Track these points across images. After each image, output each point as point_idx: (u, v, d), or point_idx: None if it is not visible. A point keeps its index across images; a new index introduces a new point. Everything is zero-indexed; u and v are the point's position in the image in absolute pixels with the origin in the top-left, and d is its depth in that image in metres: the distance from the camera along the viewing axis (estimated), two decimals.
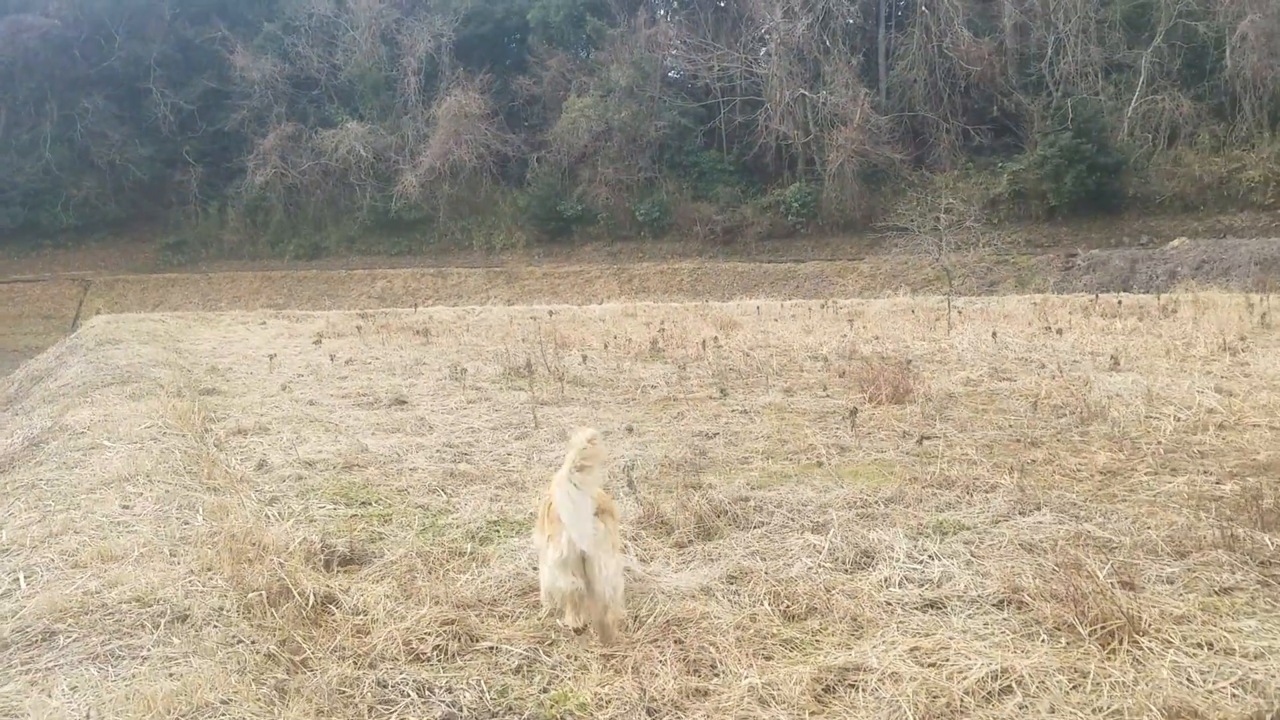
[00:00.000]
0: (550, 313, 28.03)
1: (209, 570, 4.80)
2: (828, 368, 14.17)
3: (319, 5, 61.76)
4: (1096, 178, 43.21)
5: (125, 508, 5.86)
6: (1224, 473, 6.90)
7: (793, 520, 6.05)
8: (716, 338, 17.77)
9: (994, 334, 16.81)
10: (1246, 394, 10.18)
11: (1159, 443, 7.92)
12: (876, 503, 6.41)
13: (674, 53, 60.48)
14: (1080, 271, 39.83)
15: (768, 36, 56.45)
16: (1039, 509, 6.09)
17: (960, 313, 22.84)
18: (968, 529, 5.75)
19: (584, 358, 15.19)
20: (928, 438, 8.67)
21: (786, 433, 9.18)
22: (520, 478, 7.70)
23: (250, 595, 4.44)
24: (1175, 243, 39.52)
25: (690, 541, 5.79)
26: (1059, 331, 17.11)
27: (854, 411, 8.59)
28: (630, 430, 9.44)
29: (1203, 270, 36.63)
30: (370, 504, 7.12)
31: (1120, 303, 24.18)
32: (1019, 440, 8.37)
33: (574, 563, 4.37)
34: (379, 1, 61.16)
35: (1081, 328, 17.97)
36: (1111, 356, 13.23)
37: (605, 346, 17.44)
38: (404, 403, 11.91)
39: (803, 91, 53.85)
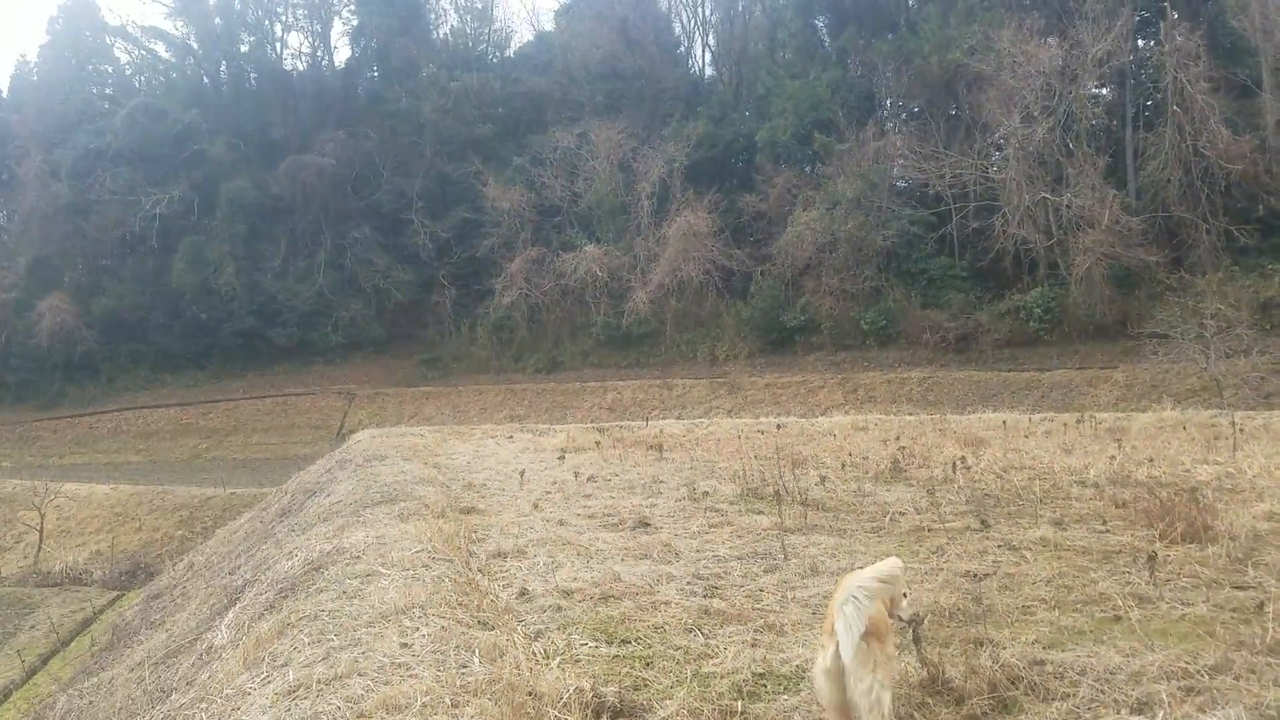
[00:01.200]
0: (778, 425, 27.65)
1: None
2: (1099, 495, 12.97)
3: (563, 139, 66.42)
4: None
5: (404, 645, 5.98)
6: None
7: (1103, 693, 5.35)
8: (964, 457, 16.78)
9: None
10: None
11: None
12: (1199, 673, 5.59)
13: (902, 162, 59.99)
14: None
15: (1004, 142, 54.97)
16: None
17: (1242, 430, 20.56)
18: None
19: (822, 478, 14.70)
20: (1240, 587, 7.62)
21: (1070, 577, 8.33)
22: (777, 620, 7.33)
23: None
24: None
25: (985, 714, 5.21)
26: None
27: (1153, 556, 7.67)
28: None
29: None
30: (629, 642, 6.96)
31: None
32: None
33: (835, 674, 4.92)
34: (617, 134, 64.81)
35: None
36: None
37: (843, 466, 16.85)
38: (647, 525, 11.84)
39: (1044, 194, 51.77)
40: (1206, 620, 6.83)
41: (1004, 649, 6.06)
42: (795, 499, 13.26)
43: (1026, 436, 22.26)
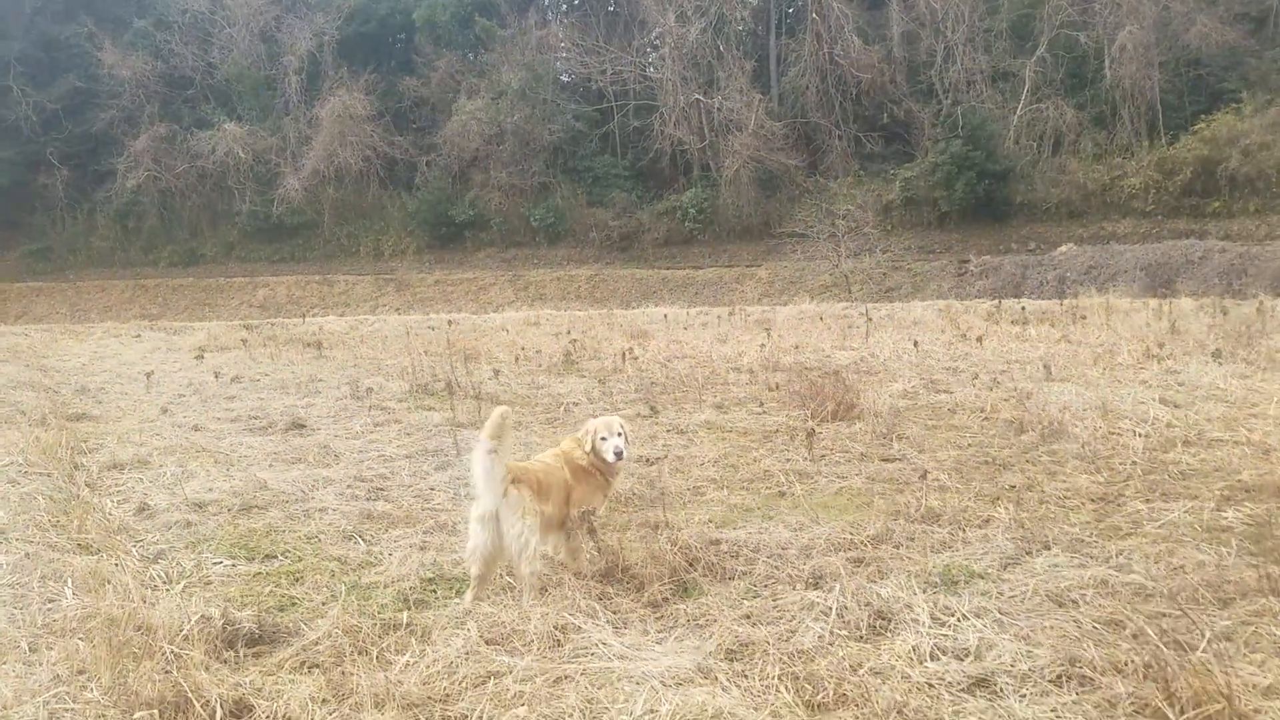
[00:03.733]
0: (449, 322, 26.84)
1: (82, 674, 3.76)
2: (754, 380, 13.54)
3: (192, 1, 58.81)
4: (985, 185, 44.16)
5: None
6: (1217, 496, 6.45)
7: (778, 569, 5.30)
8: (631, 349, 16.98)
9: (915, 343, 16.50)
10: (1192, 405, 9.92)
11: (1133, 463, 7.48)
12: (864, 544, 5.71)
13: (566, 55, 59.69)
14: (974, 277, 40.58)
15: (659, 41, 56.20)
16: (1048, 548, 5.48)
17: (871, 320, 22.61)
18: (980, 576, 5.09)
19: (496, 372, 14.22)
20: (888, 459, 8.07)
21: (734, 456, 8.45)
22: (450, 519, 6.75)
23: (138, 716, 3.42)
24: (1063, 249, 40.63)
25: (666, 600, 4.97)
26: (978, 340, 16.91)
27: (812, 433, 7.91)
28: None
29: (1090, 275, 37.66)
30: (276, 557, 6.09)
31: (1024, 309, 24.39)
32: (987, 462, 7.82)
33: (489, 519, 5.07)
34: None
35: (997, 335, 17.84)
36: (1044, 366, 12.96)
37: (516, 359, 16.47)
38: (302, 426, 10.76)
39: (697, 96, 53.74)
40: (863, 492, 7.12)
41: (680, 531, 5.88)
42: (468, 393, 12.66)
43: (685, 329, 23.10)
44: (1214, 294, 30.23)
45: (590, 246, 53.32)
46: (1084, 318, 20.59)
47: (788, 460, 8.20)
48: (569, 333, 23.21)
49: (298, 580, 5.61)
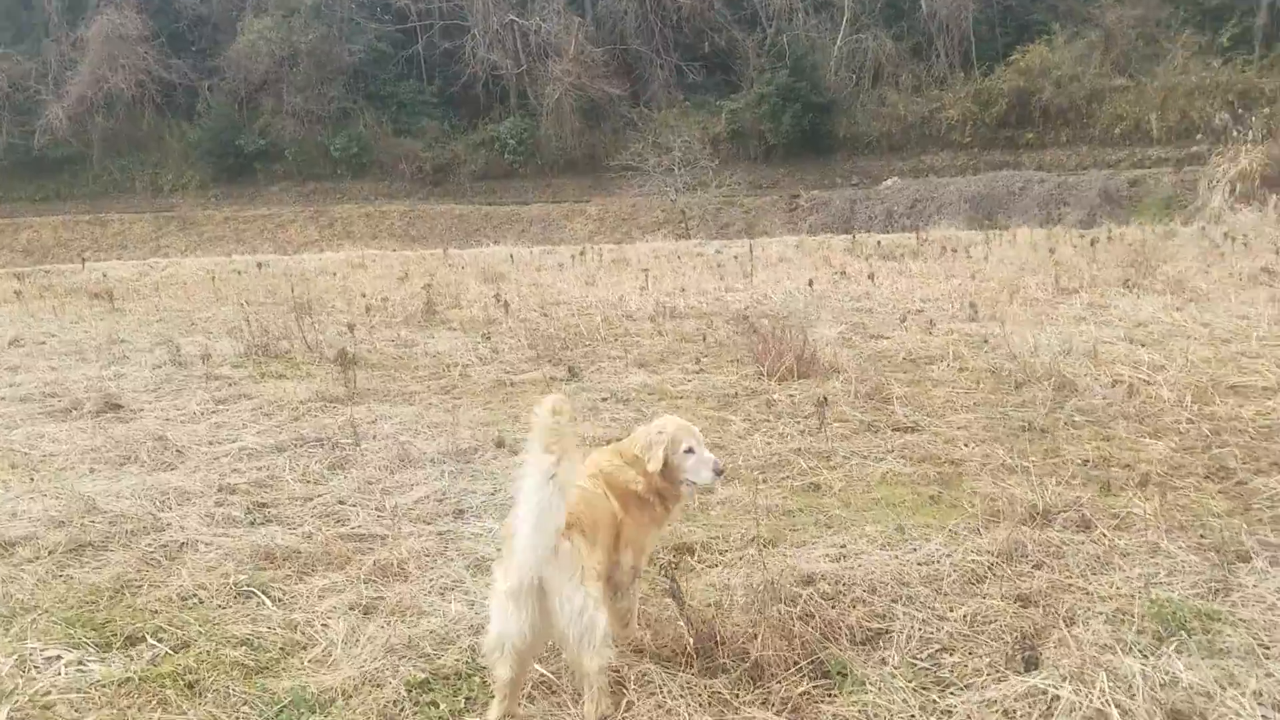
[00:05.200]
0: (259, 265, 23.64)
1: None
2: (660, 331, 11.90)
3: None
4: (811, 118, 43.88)
5: None
6: None
7: (928, 625, 3.70)
8: (498, 295, 14.93)
9: (810, 282, 15.28)
10: (1165, 344, 9.03)
11: (1188, 420, 6.36)
12: (1000, 566, 4.19)
13: None
14: (805, 212, 40.33)
15: None
16: (1246, 559, 4.15)
17: (736, 258, 21.38)
18: (1212, 617, 3.66)
19: (349, 327, 11.88)
20: (902, 429, 6.64)
21: (714, 433, 6.77)
22: (391, 554, 4.74)
23: None
24: (888, 183, 40.96)
25: (809, 698, 3.28)
26: (869, 278, 15.89)
27: (823, 402, 6.35)
28: (501, 444, 6.63)
29: (916, 209, 38.12)
30: (143, 640, 3.95)
31: (880, 243, 23.86)
32: (1024, 427, 6.49)
33: (529, 592, 3.08)
34: None
35: (885, 272, 16.89)
36: (970, 305, 11.96)
37: (367, 310, 14.08)
38: (119, 407, 8.28)
39: (512, 18, 50.78)
40: (913, 478, 5.61)
41: (764, 570, 4.17)
42: (324, 355, 10.38)
43: (539, 270, 21.12)
44: (1035, 224, 31.01)
45: (400, 180, 49.81)
46: (953, 250, 20.08)
47: (784, 436, 6.63)
48: (407, 275, 20.77)
49: (192, 693, 3.54)
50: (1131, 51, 41.14)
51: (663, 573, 4.16)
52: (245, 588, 4.38)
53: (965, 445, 6.08)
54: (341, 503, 5.55)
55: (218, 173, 49.54)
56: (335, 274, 21.32)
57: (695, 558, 4.47)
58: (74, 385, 9.23)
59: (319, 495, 5.70)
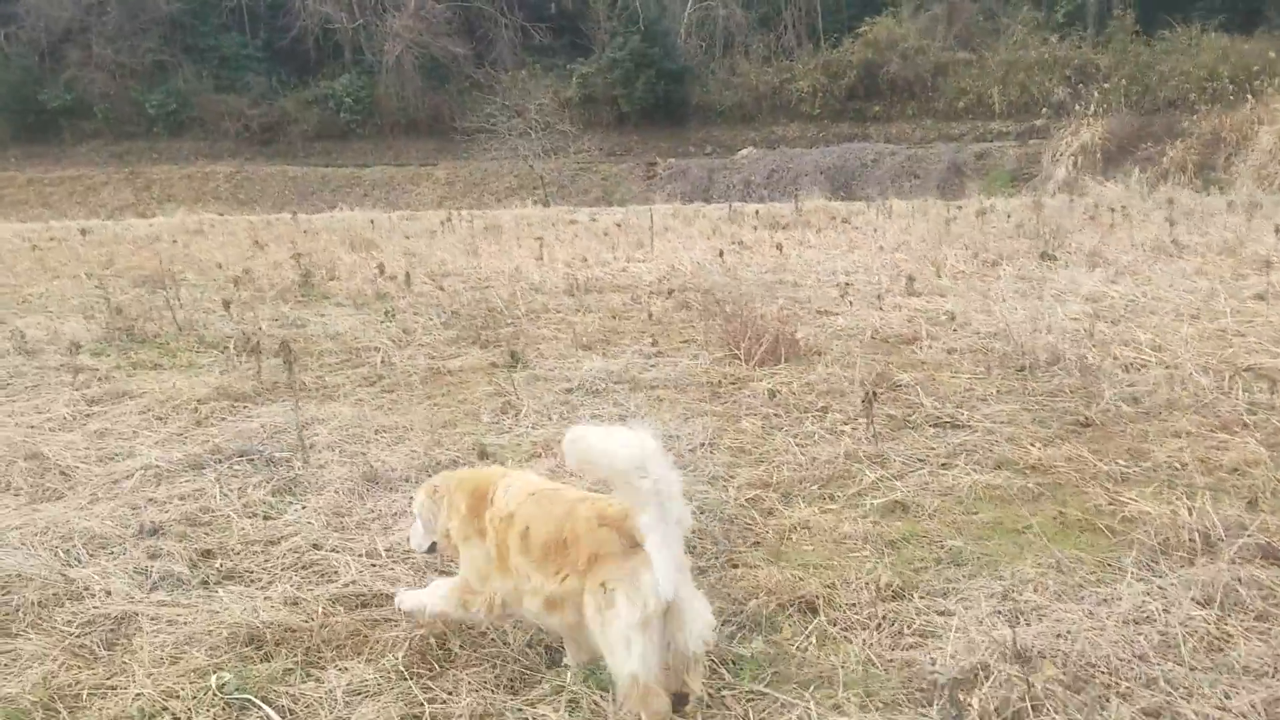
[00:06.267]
0: (83, 231, 20.90)
1: None
2: (582, 307, 10.82)
3: None
4: (664, 85, 43.18)
5: None
6: None
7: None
8: (381, 266, 13.41)
9: (721, 253, 14.48)
10: (1133, 320, 8.68)
11: (1249, 410, 5.86)
12: (1222, 635, 3.41)
13: None
14: (663, 181, 39.67)
15: None
16: None
17: (619, 226, 20.40)
18: None
19: (227, 304, 10.22)
20: (947, 424, 5.87)
21: (727, 436, 5.81)
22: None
23: None
24: (744, 152, 40.80)
25: None
26: (777, 248, 15.23)
27: (872, 397, 5.47)
28: (484, 455, 5.45)
29: (773, 179, 38.13)
30: None
31: (759, 213, 23.41)
32: (1080, 423, 5.82)
33: (655, 620, 2.71)
34: None
35: (787, 243, 16.29)
36: (908, 278, 11.43)
37: (235, 284, 12.30)
38: None
39: None
40: (1019, 493, 4.75)
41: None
42: (204, 340, 8.79)
43: (408, 238, 19.48)
44: (888, 196, 31.44)
45: (225, 139, 46.20)
46: (845, 220, 19.74)
47: (813, 437, 5.72)
48: (257, 242, 18.75)
49: None
50: (974, 26, 42.38)
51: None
52: (236, 695, 3.11)
53: (1030, 445, 5.35)
54: (316, 546, 4.27)
55: (16, 130, 44.53)
56: (174, 241, 19.01)
57: (824, 617, 3.50)
58: None
59: (280, 536, 4.39)
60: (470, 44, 48.21)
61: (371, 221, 22.39)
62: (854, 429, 5.75)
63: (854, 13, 44.56)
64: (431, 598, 3.32)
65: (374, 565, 4.08)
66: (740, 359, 7.68)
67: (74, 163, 44.38)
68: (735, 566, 3.95)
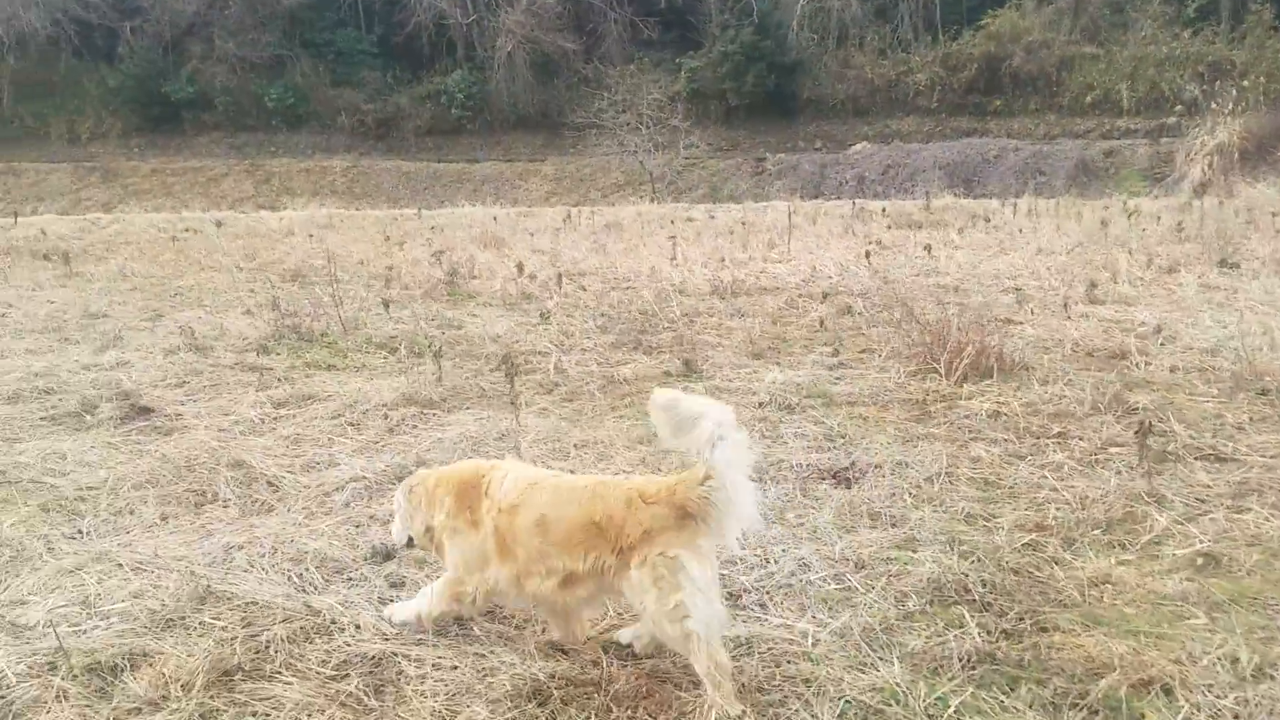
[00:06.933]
0: (218, 224, 21.33)
1: None
2: (737, 310, 10.40)
3: None
4: (775, 78, 42.40)
5: None
6: None
7: None
8: (521, 266, 13.19)
9: (867, 254, 13.91)
10: None
11: None
12: None
13: None
14: (771, 177, 38.95)
15: None
16: None
17: (745, 225, 19.92)
18: None
19: (386, 304, 10.11)
20: (1205, 458, 5.27)
21: (959, 466, 5.31)
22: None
23: None
24: (857, 147, 39.81)
25: None
26: (926, 249, 14.56)
27: (1146, 429, 4.91)
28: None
29: (888, 175, 37.11)
30: None
31: (885, 211, 22.67)
32: None
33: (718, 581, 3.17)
34: None
35: (919, 243, 15.60)
36: (1089, 284, 10.72)
37: (387, 283, 12.25)
38: (148, 411, 6.49)
39: None
40: None
41: None
42: (371, 340, 8.66)
43: (531, 235, 19.33)
44: (1013, 193, 30.20)
45: (340, 133, 46.98)
46: (986, 219, 18.91)
47: (1065, 469, 5.16)
48: (387, 238, 18.84)
49: None
50: (1101, 19, 40.58)
51: None
52: None
53: None
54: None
55: (142, 121, 46.07)
56: (310, 235, 19.21)
57: (1184, 702, 3.01)
58: (71, 377, 7.37)
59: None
60: (579, 39, 48.13)
61: (495, 218, 22.35)
62: (1110, 460, 5.21)
63: (974, 4, 43.04)
64: (425, 603, 3.45)
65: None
66: (938, 372, 7.17)
67: (195, 154, 45.74)
68: (1046, 631, 3.48)
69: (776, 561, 3.97)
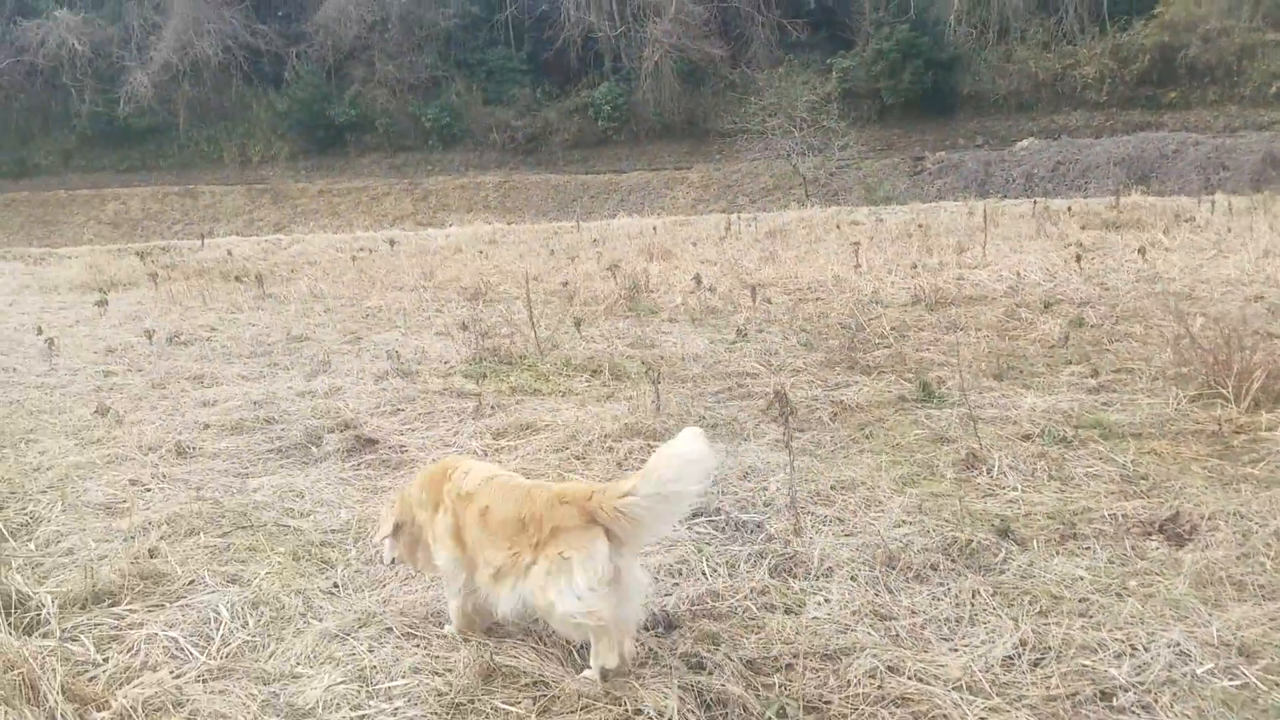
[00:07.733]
0: (391, 243, 21.76)
1: None
2: (950, 322, 9.64)
3: None
4: (932, 75, 40.91)
5: None
6: None
7: None
8: (699, 278, 12.75)
9: (1078, 258, 12.88)
10: None
11: None
12: None
13: None
14: (931, 176, 37.54)
15: None
16: None
17: (921, 227, 18.96)
18: None
19: (578, 323, 9.83)
20: None
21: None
22: None
23: None
24: (1025, 144, 37.93)
25: None
26: (1140, 252, 13.39)
27: None
28: (1006, 533, 4.43)
29: (1059, 172, 35.19)
30: None
31: (1071, 209, 21.28)
32: None
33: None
34: None
35: (1117, 245, 14.40)
36: None
37: (570, 299, 12.03)
38: (372, 442, 6.28)
39: None
40: None
41: None
42: (571, 362, 8.34)
43: (694, 245, 18.90)
44: (1196, 190, 28.07)
45: (491, 150, 47.93)
46: (1188, 219, 17.42)
47: None
48: (553, 252, 18.78)
49: None
50: None
51: None
52: None
53: None
54: (893, 670, 3.37)
55: (308, 144, 48.12)
56: (480, 252, 19.32)
57: None
58: (290, 405, 7.28)
59: (837, 647, 3.51)
60: (726, 45, 47.70)
61: (654, 228, 22.06)
62: None
63: None
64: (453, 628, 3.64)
65: (980, 700, 3.15)
66: (1224, 398, 6.30)
67: (358, 174, 47.41)
68: None
69: (1147, 649, 3.32)
